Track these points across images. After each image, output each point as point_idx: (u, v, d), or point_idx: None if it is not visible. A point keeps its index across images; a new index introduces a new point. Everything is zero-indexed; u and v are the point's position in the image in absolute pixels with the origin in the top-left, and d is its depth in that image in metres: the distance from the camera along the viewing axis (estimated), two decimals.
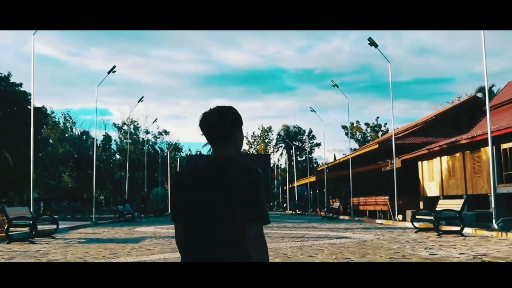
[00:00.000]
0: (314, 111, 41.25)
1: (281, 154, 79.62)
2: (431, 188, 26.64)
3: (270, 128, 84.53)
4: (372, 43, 24.65)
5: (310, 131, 79.16)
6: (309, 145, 77.10)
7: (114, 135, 69.49)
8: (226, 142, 2.16)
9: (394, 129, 29.10)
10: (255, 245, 1.96)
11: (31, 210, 18.49)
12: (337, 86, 32.78)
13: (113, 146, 68.05)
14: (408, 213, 22.21)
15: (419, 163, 27.97)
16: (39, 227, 15.86)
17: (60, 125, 65.66)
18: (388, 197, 28.30)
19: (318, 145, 79.57)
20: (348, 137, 70.27)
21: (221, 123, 2.15)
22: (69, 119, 67.20)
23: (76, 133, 66.72)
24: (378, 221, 25.21)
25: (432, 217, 16.29)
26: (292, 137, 75.31)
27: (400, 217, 23.49)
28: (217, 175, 2.05)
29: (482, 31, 17.05)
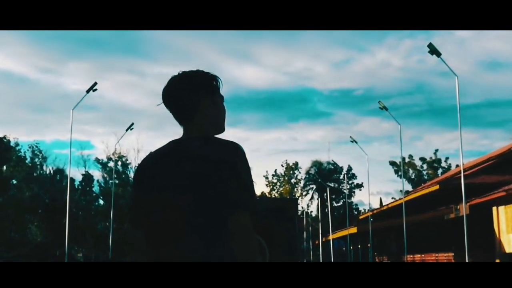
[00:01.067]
0: (356, 142, 41.04)
1: (312, 198, 79.73)
2: None
3: (297, 164, 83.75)
4: (433, 50, 24.41)
5: (349, 169, 79.26)
6: (348, 186, 76.96)
7: (97, 174, 69.67)
8: (192, 115, 2.13)
9: (460, 164, 28.89)
10: (241, 240, 1.89)
11: None
12: (386, 109, 32.82)
13: (95, 189, 68.34)
14: None
15: (494, 209, 27.60)
16: None
17: (27, 162, 66.33)
18: (453, 254, 27.88)
19: (359, 186, 79.68)
20: (399, 176, 70.09)
21: (182, 91, 2.12)
22: (38, 153, 67.60)
23: (48, 172, 67.14)
24: None
25: None
26: (325, 177, 75.26)
27: None
28: (184, 157, 2.02)
29: None
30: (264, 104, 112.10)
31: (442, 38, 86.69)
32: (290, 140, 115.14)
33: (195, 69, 2.16)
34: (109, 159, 65.62)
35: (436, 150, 79.88)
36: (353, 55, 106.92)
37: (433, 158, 76.27)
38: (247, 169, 2.00)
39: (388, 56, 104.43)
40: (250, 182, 2.01)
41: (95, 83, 30.19)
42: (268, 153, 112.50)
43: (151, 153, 2.17)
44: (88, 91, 29.82)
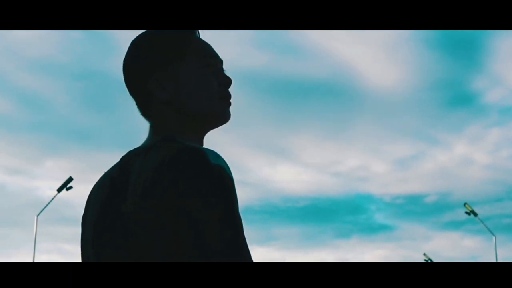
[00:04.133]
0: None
1: None
2: None
3: None
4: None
5: None
6: None
7: None
8: (144, 105, 1.38)
9: None
10: None
11: None
12: (475, 214, 27.58)
13: None
14: None
15: None
16: None
17: None
18: None
19: None
20: None
21: (128, 68, 1.39)
22: None
23: None
24: None
25: None
26: None
27: None
28: (116, 190, 1.26)
29: None
30: (305, 215, 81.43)
31: None
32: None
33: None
34: None
35: None
36: (423, 149, 73.95)
37: None
38: (205, 196, 1.10)
39: (470, 150, 72.07)
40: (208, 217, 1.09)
41: (71, 179, 22.57)
42: None
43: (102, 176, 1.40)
44: (59, 190, 22.56)
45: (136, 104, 1.41)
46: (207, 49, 1.39)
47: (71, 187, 22.25)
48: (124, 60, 1.41)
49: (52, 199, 22.58)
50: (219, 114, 1.37)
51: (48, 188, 69.67)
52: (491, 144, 70.26)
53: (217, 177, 1.13)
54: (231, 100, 1.39)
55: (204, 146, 1.39)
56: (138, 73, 1.37)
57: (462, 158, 70.12)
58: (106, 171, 1.38)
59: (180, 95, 1.34)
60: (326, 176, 77.32)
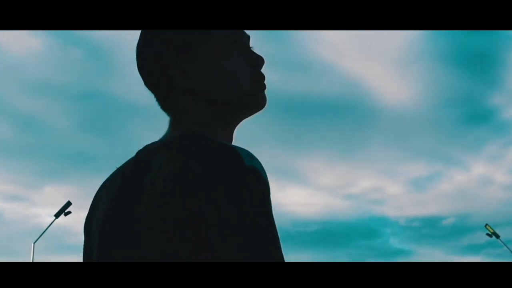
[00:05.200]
0: None
1: None
2: None
3: None
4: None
5: None
6: None
7: None
8: (167, 97, 1.22)
9: None
10: None
11: None
12: (497, 236, 24.51)
13: None
14: None
15: None
16: None
17: None
18: None
19: None
20: None
21: (143, 59, 1.24)
22: None
23: None
24: None
25: None
26: None
27: None
28: (124, 188, 1.10)
29: None
30: (316, 240, 77.45)
31: None
32: None
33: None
34: None
35: None
36: (440, 169, 69.97)
37: None
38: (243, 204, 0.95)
39: (488, 169, 67.17)
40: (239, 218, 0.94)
41: (69, 203, 20.59)
42: None
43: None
44: (57, 216, 20.50)
45: (155, 97, 1.25)
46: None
47: (69, 212, 20.35)
48: (138, 48, 1.25)
49: (50, 225, 20.60)
50: (255, 100, 1.21)
51: (47, 215, 66.80)
52: (511, 163, 65.17)
53: (253, 182, 0.97)
54: (265, 82, 1.23)
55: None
56: (155, 60, 1.20)
57: (481, 178, 66.74)
58: (118, 167, 1.21)
59: (207, 81, 1.17)
60: (338, 199, 74.51)
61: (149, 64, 1.22)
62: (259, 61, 1.21)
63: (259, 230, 0.94)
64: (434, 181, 70.74)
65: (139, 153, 1.13)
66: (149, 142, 1.16)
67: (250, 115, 1.23)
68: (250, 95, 1.19)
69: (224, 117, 1.19)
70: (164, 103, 1.23)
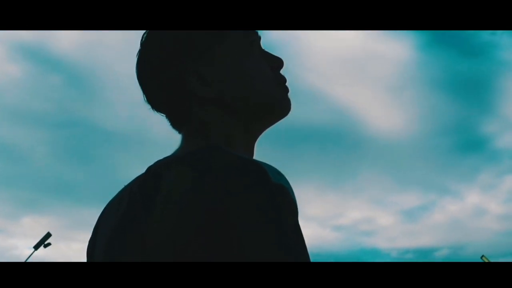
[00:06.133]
0: None
1: None
2: None
3: None
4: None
5: None
6: None
7: None
8: (181, 110, 1.09)
9: None
10: None
11: None
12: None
13: None
14: None
15: None
16: None
17: None
18: None
19: None
20: None
21: (151, 69, 1.09)
22: None
23: None
24: None
25: None
26: None
27: None
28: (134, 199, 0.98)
29: None
30: None
31: None
32: None
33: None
34: None
35: None
36: (432, 199, 60.71)
37: None
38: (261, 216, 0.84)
39: (482, 199, 59.60)
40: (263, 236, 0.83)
41: (49, 235, 16.99)
42: None
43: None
44: (37, 248, 17.05)
45: (166, 112, 1.12)
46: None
47: (49, 244, 18.44)
48: (143, 54, 1.10)
49: (29, 257, 18.77)
50: (281, 104, 1.11)
51: (26, 247, 62.21)
52: (505, 192, 61.65)
53: (280, 202, 0.86)
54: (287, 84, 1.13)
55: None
56: (167, 67, 1.06)
57: (475, 208, 62.26)
58: (126, 185, 1.08)
59: (229, 86, 1.06)
60: (327, 230, 69.73)
61: (158, 72, 1.08)
62: (279, 62, 1.13)
63: (298, 250, 0.85)
64: (426, 211, 68.12)
65: (150, 168, 1.00)
66: (160, 158, 1.03)
67: (274, 122, 1.13)
68: (276, 99, 1.10)
69: (247, 127, 1.08)
70: (177, 116, 1.10)
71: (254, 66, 1.09)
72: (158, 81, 1.08)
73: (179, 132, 1.11)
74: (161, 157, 1.02)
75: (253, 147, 1.12)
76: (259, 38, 1.14)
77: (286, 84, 1.13)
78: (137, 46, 1.13)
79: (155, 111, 1.12)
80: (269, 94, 1.08)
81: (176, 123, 1.12)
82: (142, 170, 1.03)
